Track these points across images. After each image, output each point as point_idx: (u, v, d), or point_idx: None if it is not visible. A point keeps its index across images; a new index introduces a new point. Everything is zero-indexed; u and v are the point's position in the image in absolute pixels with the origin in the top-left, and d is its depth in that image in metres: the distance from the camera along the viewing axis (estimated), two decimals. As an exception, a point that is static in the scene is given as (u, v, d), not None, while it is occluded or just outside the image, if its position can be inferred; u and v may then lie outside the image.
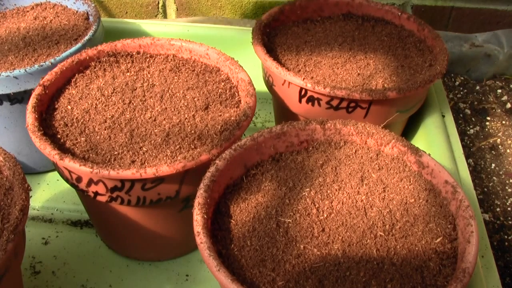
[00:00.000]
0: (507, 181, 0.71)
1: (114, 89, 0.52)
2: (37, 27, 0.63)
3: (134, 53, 0.57)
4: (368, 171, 0.43)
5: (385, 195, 0.41)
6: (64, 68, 0.53)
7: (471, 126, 0.80)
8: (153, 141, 0.46)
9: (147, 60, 0.56)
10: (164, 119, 0.48)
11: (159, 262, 0.54)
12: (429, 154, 0.43)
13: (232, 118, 0.48)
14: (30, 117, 0.47)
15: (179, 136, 0.46)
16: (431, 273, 0.36)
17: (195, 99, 0.50)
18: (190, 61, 0.56)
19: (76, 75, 0.54)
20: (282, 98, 0.58)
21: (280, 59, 0.59)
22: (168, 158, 0.45)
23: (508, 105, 0.83)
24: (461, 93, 0.87)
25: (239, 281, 0.34)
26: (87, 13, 0.66)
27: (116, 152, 0.45)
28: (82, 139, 0.47)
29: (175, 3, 0.95)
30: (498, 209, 0.67)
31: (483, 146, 0.76)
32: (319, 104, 0.55)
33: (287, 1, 0.67)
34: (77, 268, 0.54)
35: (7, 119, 0.58)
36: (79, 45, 0.58)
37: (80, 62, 0.55)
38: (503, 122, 0.80)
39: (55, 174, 0.64)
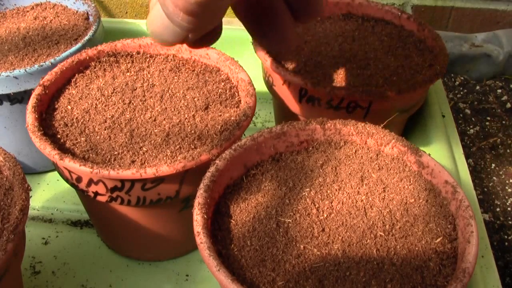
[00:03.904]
0: (507, 181, 0.71)
1: (114, 89, 0.52)
2: (37, 27, 0.63)
3: (134, 53, 0.57)
4: (368, 171, 0.43)
5: (385, 195, 0.41)
6: (64, 68, 0.53)
7: (471, 126, 0.80)
8: (153, 141, 0.46)
9: (147, 60, 0.56)
10: (164, 119, 0.48)
11: (159, 262, 0.54)
12: (429, 154, 0.43)
13: (232, 118, 0.48)
14: (30, 117, 0.47)
15: (179, 136, 0.46)
16: (431, 273, 0.36)
17: (195, 99, 0.50)
18: (190, 61, 0.56)
19: (76, 75, 0.54)
20: (282, 98, 0.58)
21: (280, 59, 0.59)
22: (168, 158, 0.45)
23: (508, 105, 0.83)
24: (461, 93, 0.87)
25: (239, 281, 0.34)
26: (87, 13, 0.66)
27: (116, 152, 0.45)
28: (82, 139, 0.47)
29: (175, 3, 0.95)
30: (498, 209, 0.67)
31: (483, 146, 0.76)
32: (319, 104, 0.55)
33: None
34: (77, 268, 0.54)
35: (7, 119, 0.58)
36: (79, 45, 0.58)
37: (80, 62, 0.55)
38: (503, 122, 0.80)
39: (55, 174, 0.64)
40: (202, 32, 0.31)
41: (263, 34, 0.36)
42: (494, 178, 0.71)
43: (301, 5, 0.35)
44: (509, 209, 0.67)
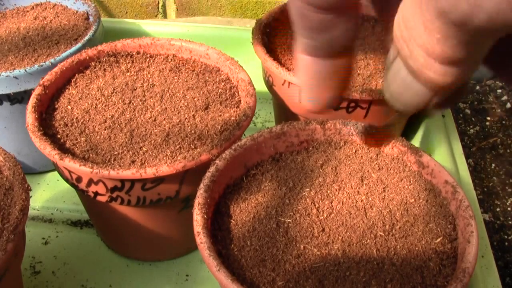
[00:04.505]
0: (507, 181, 0.71)
1: (114, 89, 0.52)
2: (37, 27, 0.63)
3: (134, 53, 0.57)
4: (368, 171, 0.43)
5: (385, 195, 0.41)
6: (64, 68, 0.53)
7: (471, 126, 0.80)
8: (153, 141, 0.46)
9: (147, 60, 0.56)
10: (164, 119, 0.48)
11: (159, 262, 0.54)
12: (429, 154, 0.43)
13: (232, 118, 0.48)
14: (30, 117, 0.47)
15: (179, 136, 0.46)
16: (431, 273, 0.36)
17: (195, 99, 0.50)
18: (190, 61, 0.56)
19: (76, 75, 0.54)
20: (282, 98, 0.58)
21: (280, 59, 0.59)
22: (168, 158, 0.44)
23: (508, 105, 0.83)
24: (461, 93, 0.87)
25: (239, 281, 0.34)
26: (87, 13, 0.66)
27: (116, 152, 0.45)
28: (82, 139, 0.47)
29: (175, 3, 0.96)
30: (498, 209, 0.67)
31: (483, 146, 0.76)
32: (319, 104, 0.55)
33: (288, 1, 0.67)
34: (77, 268, 0.54)
35: (7, 119, 0.58)
36: (79, 45, 0.58)
37: (80, 62, 0.55)
38: (503, 122, 0.80)
39: (55, 174, 0.64)
40: (454, 87, 0.23)
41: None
42: (494, 178, 0.71)
43: None
44: (509, 209, 0.67)
